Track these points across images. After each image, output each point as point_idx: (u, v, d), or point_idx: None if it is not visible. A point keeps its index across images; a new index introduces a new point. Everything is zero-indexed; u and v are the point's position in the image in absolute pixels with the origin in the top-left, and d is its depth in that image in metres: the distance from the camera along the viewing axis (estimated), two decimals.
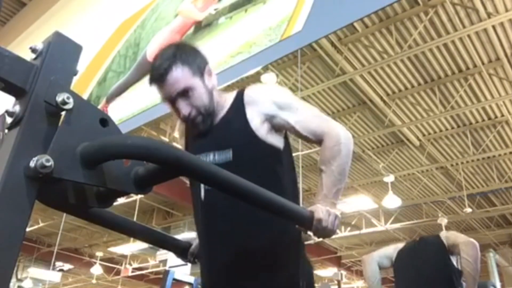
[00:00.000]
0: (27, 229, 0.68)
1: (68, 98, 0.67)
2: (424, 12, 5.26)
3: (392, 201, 8.57)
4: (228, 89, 1.80)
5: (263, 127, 1.27)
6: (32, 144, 0.64)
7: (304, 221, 1.05)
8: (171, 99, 1.26)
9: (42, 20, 4.89)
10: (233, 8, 2.82)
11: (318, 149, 1.30)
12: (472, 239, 2.56)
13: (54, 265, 12.86)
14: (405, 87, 6.53)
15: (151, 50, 3.32)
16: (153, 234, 1.13)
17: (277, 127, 1.29)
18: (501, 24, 5.34)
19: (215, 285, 1.27)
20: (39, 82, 0.66)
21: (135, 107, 3.30)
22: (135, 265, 13.65)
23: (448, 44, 5.66)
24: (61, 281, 15.10)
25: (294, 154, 1.44)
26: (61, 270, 14.31)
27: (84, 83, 3.81)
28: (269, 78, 5.98)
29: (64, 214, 7.45)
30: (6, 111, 0.65)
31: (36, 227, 10.85)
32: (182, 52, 1.26)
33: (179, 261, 1.40)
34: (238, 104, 1.30)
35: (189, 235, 9.09)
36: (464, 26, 5.31)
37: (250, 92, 1.32)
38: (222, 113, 1.31)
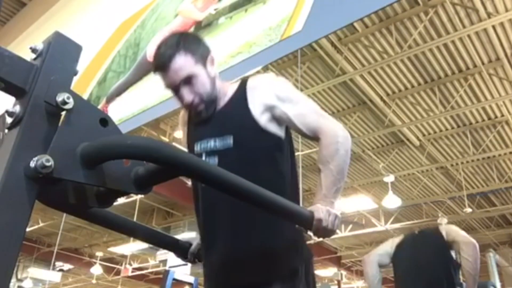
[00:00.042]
0: (27, 229, 0.68)
1: (68, 98, 0.67)
2: (424, 12, 5.26)
3: (392, 201, 8.57)
4: None
5: (263, 116, 1.28)
6: (32, 144, 0.64)
7: (304, 221, 1.05)
8: (175, 87, 1.29)
9: (42, 20, 4.89)
10: (233, 8, 2.82)
11: (318, 149, 1.30)
12: (472, 239, 2.56)
13: (54, 265, 12.86)
14: (405, 87, 6.53)
15: (151, 50, 3.32)
16: (153, 234, 1.13)
17: (277, 118, 1.30)
18: (501, 24, 5.34)
19: (215, 273, 1.28)
20: (39, 82, 0.66)
21: (135, 107, 3.30)
22: (135, 265, 13.65)
23: (448, 44, 5.66)
24: (61, 281, 15.10)
25: None
26: (61, 270, 14.32)
27: (84, 83, 3.81)
28: None
29: (64, 214, 7.44)
30: (6, 111, 0.65)
31: (36, 227, 10.85)
32: (185, 40, 1.29)
33: (179, 261, 1.40)
34: (241, 93, 1.32)
35: (189, 235, 9.09)
36: (464, 26, 5.31)
37: (253, 82, 1.34)
38: (224, 101, 1.34)
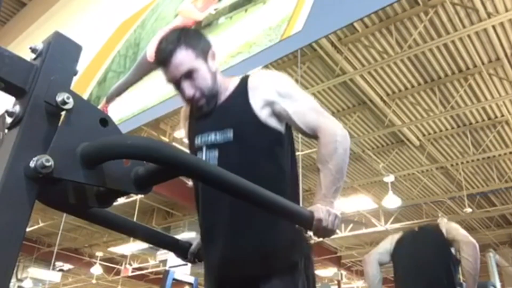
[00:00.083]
0: (27, 229, 0.68)
1: (68, 98, 0.67)
2: (424, 12, 5.26)
3: (392, 201, 8.57)
4: None
5: (264, 111, 1.29)
6: (32, 144, 0.64)
7: (304, 221, 1.05)
8: (176, 81, 1.30)
9: (42, 20, 4.89)
10: (233, 8, 2.82)
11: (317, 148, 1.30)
12: (471, 239, 2.56)
13: (54, 265, 12.86)
14: (405, 87, 6.53)
15: (151, 50, 3.32)
16: (153, 234, 1.13)
17: (277, 114, 1.30)
18: (501, 24, 5.34)
19: (215, 267, 1.28)
20: (39, 82, 0.66)
21: (135, 107, 3.30)
22: (135, 265, 13.65)
23: (448, 44, 5.66)
24: (61, 281, 15.10)
25: None
26: (61, 270, 14.31)
27: (84, 83, 3.81)
28: None
29: (64, 214, 7.44)
30: (6, 111, 0.65)
31: (36, 227, 10.85)
32: (186, 35, 1.30)
33: (179, 261, 1.40)
34: (242, 88, 1.33)
35: (189, 235, 9.09)
36: (464, 26, 5.31)
37: (255, 77, 1.35)
38: (225, 95, 1.35)
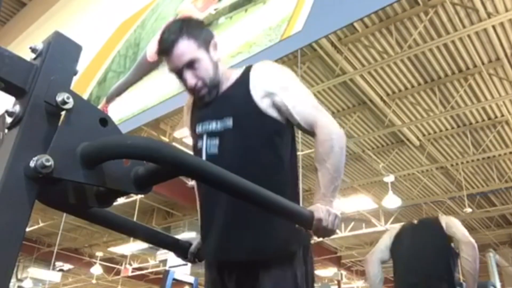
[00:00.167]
0: (27, 229, 0.68)
1: (68, 98, 0.67)
2: (424, 12, 5.26)
3: (392, 201, 8.57)
4: None
5: (264, 101, 1.30)
6: (32, 144, 0.64)
7: (304, 221, 1.05)
8: (178, 71, 1.31)
9: (42, 20, 4.89)
10: (233, 8, 2.83)
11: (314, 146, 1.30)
12: (470, 239, 2.56)
13: (54, 265, 12.86)
14: (405, 87, 6.53)
15: (151, 50, 3.32)
16: (153, 234, 1.13)
17: (276, 106, 1.31)
18: (501, 24, 5.34)
19: (212, 249, 1.29)
20: (39, 82, 0.66)
21: (135, 107, 3.31)
22: (135, 265, 13.65)
23: (448, 44, 5.66)
24: (61, 281, 15.10)
25: None
26: (61, 270, 14.32)
27: (84, 83, 3.81)
28: None
29: (64, 214, 7.45)
30: (6, 111, 0.65)
31: (36, 227, 10.85)
32: (188, 25, 1.32)
33: (179, 261, 1.40)
34: (244, 78, 1.34)
35: (189, 235, 9.09)
36: (464, 26, 5.31)
37: (257, 68, 1.37)
38: (227, 84, 1.37)
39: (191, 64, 1.29)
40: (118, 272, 14.27)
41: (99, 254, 13.78)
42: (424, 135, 7.58)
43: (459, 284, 2.74)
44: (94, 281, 15.08)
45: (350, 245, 12.50)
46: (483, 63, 5.87)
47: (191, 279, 5.48)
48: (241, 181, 0.79)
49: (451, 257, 2.65)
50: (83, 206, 0.80)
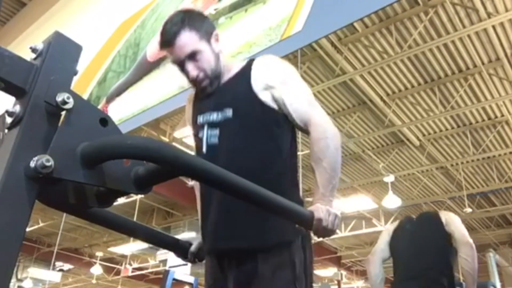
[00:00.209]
0: (27, 229, 0.68)
1: (68, 98, 0.67)
2: (424, 12, 5.26)
3: (392, 201, 8.57)
4: None
5: (264, 93, 1.31)
6: (32, 144, 0.64)
7: (304, 221, 1.05)
8: (180, 62, 1.33)
9: (42, 20, 4.89)
10: (233, 8, 2.83)
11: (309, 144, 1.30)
12: (469, 239, 2.56)
13: (54, 265, 12.86)
14: (405, 87, 6.53)
15: (151, 50, 3.32)
16: (153, 234, 1.13)
17: (275, 99, 1.32)
18: (501, 24, 5.34)
19: (210, 237, 1.29)
20: (39, 82, 0.66)
21: (135, 107, 3.31)
22: (135, 265, 13.65)
23: (448, 44, 5.66)
24: (61, 281, 15.10)
25: None
26: (61, 270, 14.32)
27: (84, 83, 3.81)
28: None
29: (64, 214, 7.45)
30: (6, 111, 0.65)
31: (36, 227, 10.85)
32: (190, 17, 1.33)
33: (179, 261, 1.40)
34: (246, 70, 1.36)
35: (189, 235, 9.09)
36: (464, 26, 5.31)
37: (260, 61, 1.38)
38: (228, 76, 1.38)
39: (193, 56, 1.31)
40: (118, 272, 14.27)
41: (99, 254, 13.78)
42: (424, 135, 7.58)
43: (459, 284, 2.74)
44: (94, 281, 15.08)
45: (350, 245, 12.50)
46: (483, 63, 5.87)
47: (191, 279, 5.48)
48: (241, 181, 0.79)
49: (451, 254, 2.64)
50: (83, 206, 0.80)
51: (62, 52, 0.70)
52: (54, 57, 0.69)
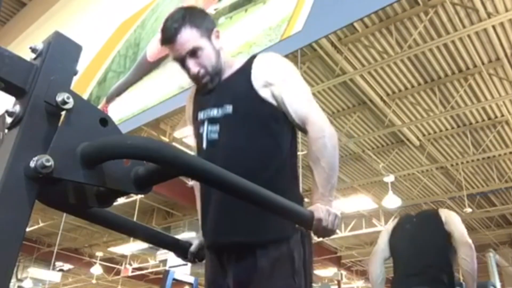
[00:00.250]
0: (27, 229, 0.68)
1: (68, 98, 0.67)
2: (424, 12, 5.26)
3: (392, 201, 8.57)
4: None
5: (263, 90, 1.32)
6: (32, 144, 0.64)
7: (304, 221, 1.05)
8: (181, 59, 1.34)
9: (42, 20, 4.89)
10: (233, 8, 2.83)
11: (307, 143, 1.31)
12: (468, 239, 2.56)
13: (54, 265, 12.86)
14: (405, 87, 6.53)
15: (151, 50, 3.32)
16: (153, 234, 1.13)
17: (274, 97, 1.32)
18: (501, 24, 5.34)
19: (209, 232, 1.30)
20: (39, 82, 0.66)
21: (135, 107, 3.31)
22: (135, 265, 13.65)
23: (448, 44, 5.66)
24: (61, 281, 15.10)
25: None
26: (61, 270, 14.32)
27: (84, 83, 3.81)
28: None
29: (64, 214, 7.45)
30: (6, 111, 0.65)
31: (36, 227, 10.85)
32: (191, 14, 1.34)
33: (179, 261, 1.40)
34: (247, 66, 1.36)
35: (189, 235, 9.09)
36: (464, 26, 5.31)
37: (261, 58, 1.39)
38: (229, 72, 1.39)
39: (194, 52, 1.32)
40: (118, 272, 14.27)
41: (99, 254, 13.78)
42: (424, 135, 7.58)
43: (459, 284, 2.74)
44: (94, 281, 15.08)
45: (350, 245, 12.50)
46: (483, 63, 5.87)
47: (191, 279, 5.48)
48: (241, 182, 0.79)
49: (450, 252, 2.64)
50: (83, 206, 0.80)
51: (62, 52, 0.70)
52: (54, 57, 0.69)
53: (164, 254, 9.06)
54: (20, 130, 0.63)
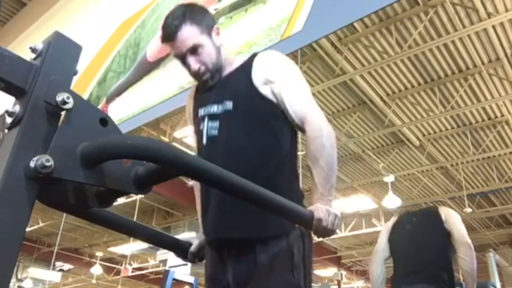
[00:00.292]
0: (27, 229, 0.68)
1: (68, 98, 0.67)
2: (424, 12, 5.26)
3: (392, 201, 8.57)
4: None
5: (264, 87, 1.32)
6: (32, 144, 0.64)
7: (304, 221, 1.05)
8: (182, 56, 1.35)
9: (42, 20, 4.89)
10: (233, 8, 2.82)
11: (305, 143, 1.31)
12: (467, 239, 2.56)
13: (54, 265, 12.86)
14: (405, 87, 6.53)
15: (151, 50, 3.32)
16: (153, 234, 1.13)
17: (274, 95, 1.33)
18: (501, 24, 5.34)
19: (209, 228, 1.31)
20: (39, 82, 0.66)
21: (135, 107, 3.30)
22: (135, 265, 13.65)
23: (448, 44, 5.66)
24: (61, 281, 15.10)
25: None
26: (61, 270, 14.32)
27: (84, 83, 3.81)
28: None
29: (64, 214, 7.45)
30: (6, 111, 0.65)
31: (36, 227, 10.85)
32: (192, 11, 1.35)
33: (179, 261, 1.41)
34: (248, 64, 1.37)
35: (189, 235, 9.09)
36: (464, 26, 5.31)
37: (262, 55, 1.39)
38: (230, 69, 1.40)
39: (194, 49, 1.32)
40: (118, 272, 14.27)
41: (99, 254, 13.78)
42: (424, 135, 7.58)
43: (459, 284, 2.74)
44: (94, 281, 15.08)
45: (350, 245, 12.50)
46: (483, 63, 5.87)
47: (191, 279, 5.48)
48: (241, 182, 0.79)
49: (450, 251, 2.65)
50: (83, 206, 0.80)
51: (62, 52, 0.70)
52: (54, 57, 0.69)
53: (164, 254, 9.05)
54: (20, 130, 0.63)
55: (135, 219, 7.71)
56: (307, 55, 5.97)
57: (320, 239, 1.21)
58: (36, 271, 13.77)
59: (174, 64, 3.04)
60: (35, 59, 0.69)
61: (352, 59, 5.94)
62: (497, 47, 5.63)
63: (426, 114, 6.92)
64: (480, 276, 2.59)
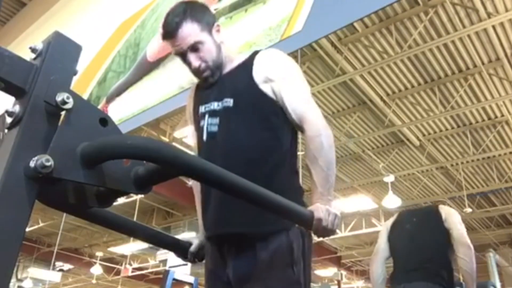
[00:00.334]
0: (27, 229, 0.68)
1: (68, 98, 0.67)
2: (424, 12, 5.26)
3: (392, 201, 8.57)
4: None
5: (264, 85, 1.32)
6: (32, 144, 0.64)
7: (304, 220, 1.05)
8: (182, 53, 1.35)
9: (42, 20, 4.89)
10: (233, 8, 2.82)
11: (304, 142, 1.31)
12: (466, 239, 2.56)
13: (54, 265, 12.86)
14: (405, 87, 6.53)
15: (151, 50, 3.32)
16: (153, 234, 1.13)
17: (274, 93, 1.33)
18: (501, 24, 5.34)
19: (209, 224, 1.31)
20: (39, 82, 0.66)
21: (135, 107, 3.30)
22: (135, 265, 13.65)
23: (448, 44, 5.66)
24: (61, 281, 15.10)
25: None
26: (61, 270, 14.32)
27: (84, 83, 3.81)
28: None
29: (64, 214, 7.45)
30: (6, 111, 0.65)
31: (36, 227, 10.85)
32: (192, 8, 1.35)
33: (179, 261, 1.41)
34: (249, 61, 1.37)
35: (189, 235, 9.09)
36: (464, 26, 5.31)
37: (263, 53, 1.39)
38: (231, 66, 1.40)
39: (195, 47, 1.33)
40: (118, 272, 14.27)
41: (99, 254, 13.78)
42: (424, 135, 7.58)
43: (459, 284, 2.74)
44: (94, 281, 15.08)
45: (350, 245, 12.50)
46: (483, 63, 5.87)
47: (191, 279, 5.48)
48: (241, 182, 0.79)
49: (450, 250, 2.65)
50: (83, 206, 0.80)
51: (62, 52, 0.70)
52: (54, 57, 0.69)
53: (164, 254, 9.05)
54: (20, 130, 0.63)
55: (135, 219, 7.72)
56: (307, 55, 5.97)
57: (320, 239, 1.21)
58: (36, 271, 13.77)
59: (174, 64, 3.04)
60: (35, 59, 0.69)
61: (352, 59, 5.94)
62: (497, 47, 5.63)
63: (426, 114, 6.92)
64: (480, 276, 2.59)
